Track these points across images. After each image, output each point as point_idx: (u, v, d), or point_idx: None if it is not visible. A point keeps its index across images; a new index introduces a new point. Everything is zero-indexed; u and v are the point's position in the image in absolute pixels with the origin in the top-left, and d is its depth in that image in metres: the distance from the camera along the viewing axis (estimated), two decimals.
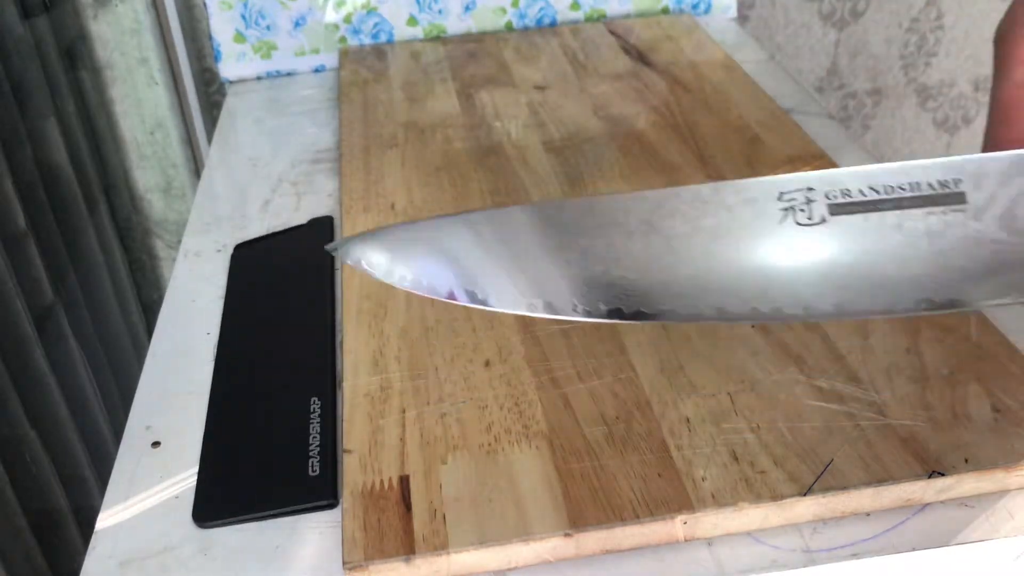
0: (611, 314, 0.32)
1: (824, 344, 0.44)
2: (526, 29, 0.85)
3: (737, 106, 0.67)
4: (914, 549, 0.36)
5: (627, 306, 0.33)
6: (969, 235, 0.31)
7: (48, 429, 0.67)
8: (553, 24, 0.86)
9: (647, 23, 0.84)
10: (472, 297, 0.33)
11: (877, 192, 0.32)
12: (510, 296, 0.33)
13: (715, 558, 0.36)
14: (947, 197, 0.31)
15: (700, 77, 0.73)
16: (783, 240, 0.32)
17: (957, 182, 0.31)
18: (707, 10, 0.88)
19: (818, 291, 0.32)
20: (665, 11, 0.87)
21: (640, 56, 0.77)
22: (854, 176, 0.32)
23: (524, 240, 0.33)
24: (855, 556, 0.36)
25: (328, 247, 0.36)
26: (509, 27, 0.86)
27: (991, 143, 0.33)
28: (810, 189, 0.32)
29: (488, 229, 0.34)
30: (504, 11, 0.85)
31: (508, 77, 0.75)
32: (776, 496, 0.36)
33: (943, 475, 0.37)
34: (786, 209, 0.32)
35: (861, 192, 0.32)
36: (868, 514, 0.38)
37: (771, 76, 0.74)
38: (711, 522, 0.37)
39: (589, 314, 0.33)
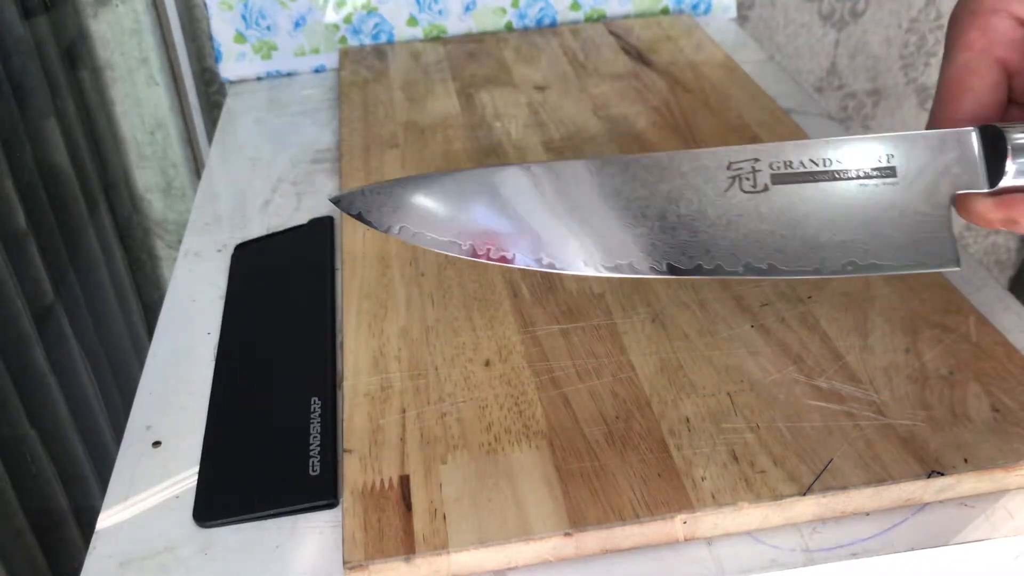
0: (569, 267, 0.36)
1: (824, 344, 0.44)
2: (526, 29, 0.86)
3: (737, 106, 0.67)
4: (914, 549, 0.36)
5: (587, 262, 0.36)
6: (896, 206, 0.34)
7: (48, 429, 0.67)
8: (553, 24, 0.86)
9: (647, 23, 0.84)
10: (459, 249, 0.36)
11: (816, 164, 0.35)
12: (494, 248, 0.36)
13: (715, 558, 0.36)
14: (880, 170, 0.34)
15: (700, 77, 0.73)
16: (729, 205, 0.35)
17: (890, 157, 0.34)
18: (707, 10, 0.88)
19: (756, 252, 0.35)
20: (665, 11, 0.87)
21: (640, 56, 0.77)
22: (797, 149, 0.35)
23: (506, 199, 0.37)
24: (855, 556, 0.36)
25: (331, 198, 0.39)
26: (509, 27, 0.86)
27: (933, 120, 0.36)
28: (756, 160, 0.35)
29: (479, 187, 0.37)
30: (504, 11, 0.85)
31: (508, 77, 0.75)
32: (776, 496, 0.37)
33: (943, 475, 0.37)
34: (733, 177, 0.35)
35: (802, 164, 0.35)
36: (868, 514, 0.38)
37: (771, 76, 0.75)
38: (711, 522, 0.37)
39: (552, 267, 0.36)
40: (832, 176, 0.35)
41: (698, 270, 0.35)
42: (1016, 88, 0.36)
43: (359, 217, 0.37)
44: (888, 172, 0.34)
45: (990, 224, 0.34)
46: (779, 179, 0.35)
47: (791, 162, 0.35)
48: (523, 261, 0.36)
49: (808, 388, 0.42)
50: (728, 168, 0.35)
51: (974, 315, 0.45)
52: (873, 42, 1.03)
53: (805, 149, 0.35)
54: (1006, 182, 0.33)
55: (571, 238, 0.36)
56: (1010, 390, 0.41)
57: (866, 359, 0.43)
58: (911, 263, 0.34)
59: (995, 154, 0.33)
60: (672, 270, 0.35)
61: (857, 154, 0.35)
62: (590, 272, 0.36)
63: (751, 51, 0.81)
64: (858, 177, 0.35)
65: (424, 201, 0.37)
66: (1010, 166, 0.33)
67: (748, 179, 0.35)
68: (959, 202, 0.34)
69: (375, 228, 0.37)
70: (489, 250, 0.37)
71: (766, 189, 0.35)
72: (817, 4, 0.99)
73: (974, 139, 0.34)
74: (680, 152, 0.36)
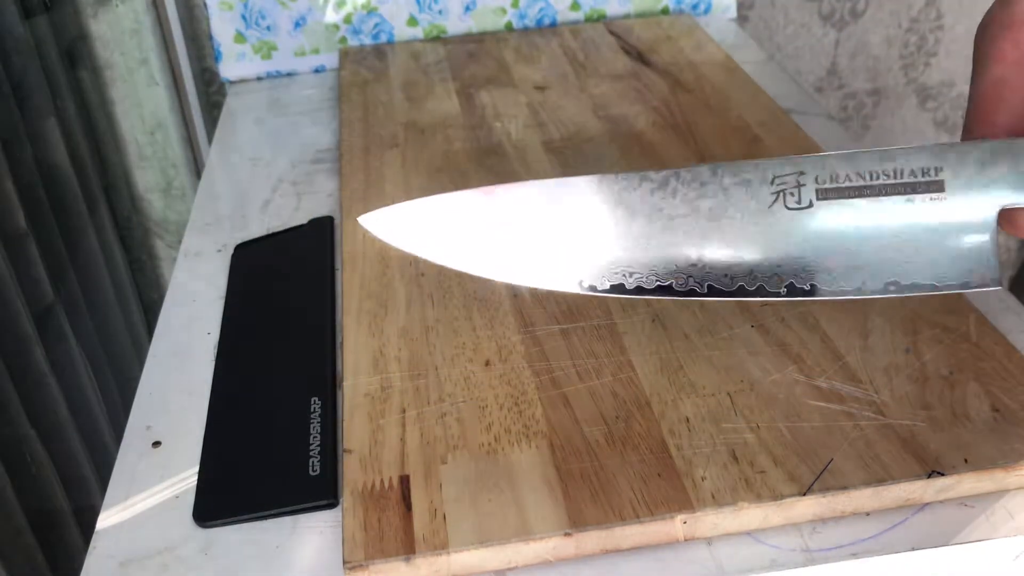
0: (613, 289, 0.35)
1: (824, 344, 0.44)
2: (526, 29, 0.86)
3: (737, 106, 0.67)
4: (914, 549, 0.36)
5: (628, 283, 0.35)
6: (941, 222, 0.33)
7: (48, 429, 0.67)
8: (553, 24, 0.86)
9: (647, 23, 0.84)
10: (478, 268, 0.37)
11: (863, 178, 0.34)
12: (512, 271, 0.36)
13: (715, 558, 0.36)
14: (927, 184, 0.33)
15: (700, 77, 0.73)
16: (773, 221, 0.34)
17: (939, 170, 0.33)
18: (707, 10, 0.88)
19: (799, 273, 0.34)
20: (665, 11, 0.87)
21: (640, 56, 0.77)
22: (843, 160, 0.34)
23: (530, 217, 0.36)
24: (855, 556, 0.36)
25: (360, 219, 0.39)
26: (509, 27, 0.86)
27: (968, 134, 0.35)
28: (801, 174, 0.34)
29: (497, 206, 0.37)
30: (504, 11, 0.85)
31: (508, 77, 0.75)
32: (776, 496, 0.37)
33: (943, 475, 0.37)
34: (777, 193, 0.34)
35: (848, 178, 0.34)
36: (868, 514, 0.38)
37: (771, 76, 0.75)
38: (711, 522, 0.37)
39: (592, 289, 0.35)
40: (878, 191, 0.34)
41: (740, 292, 0.34)
42: None
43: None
44: (936, 187, 0.33)
45: None
46: (824, 194, 0.34)
47: (837, 175, 0.34)
48: (562, 285, 0.36)
49: (808, 388, 0.42)
50: (772, 183, 0.35)
51: (974, 315, 0.45)
52: (873, 42, 1.03)
53: (852, 161, 0.34)
54: None
55: (607, 257, 0.35)
56: (1010, 390, 0.41)
57: (866, 359, 0.43)
58: (953, 283, 0.33)
59: None
60: (714, 292, 0.34)
61: (904, 168, 0.34)
62: (630, 295, 0.35)
63: (751, 51, 0.81)
64: (904, 192, 0.34)
65: (454, 227, 0.37)
66: None
67: (792, 194, 0.34)
68: (1005, 217, 0.34)
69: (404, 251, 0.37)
70: (526, 276, 0.36)
71: (811, 205, 0.34)
72: (817, 4, 0.99)
73: None
74: (722, 165, 0.35)
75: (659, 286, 0.35)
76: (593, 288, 0.35)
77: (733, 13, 0.89)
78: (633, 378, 0.43)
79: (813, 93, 1.04)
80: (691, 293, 0.35)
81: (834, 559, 0.36)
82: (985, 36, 0.36)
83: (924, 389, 0.41)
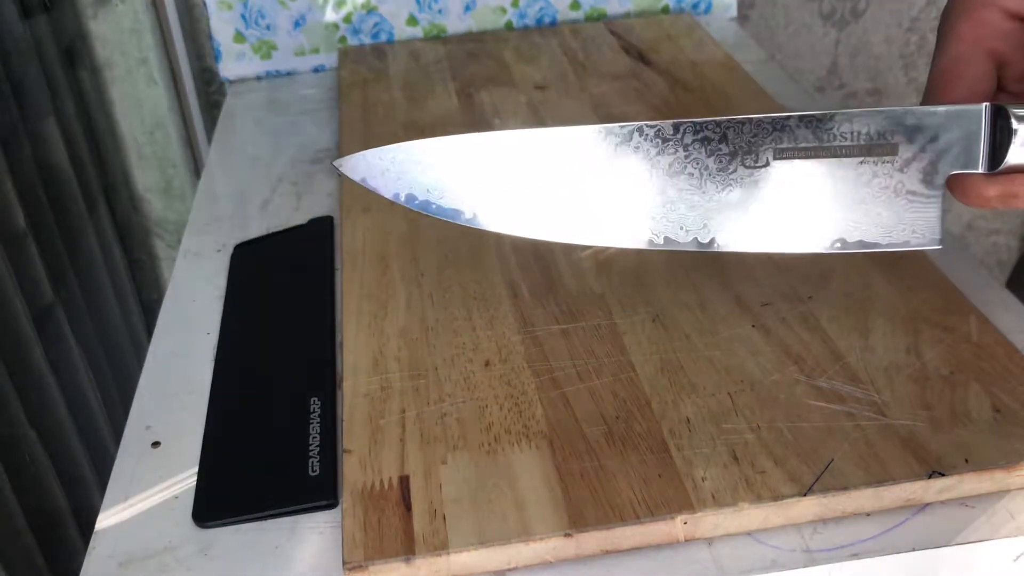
0: (573, 235, 0.37)
1: (824, 344, 0.44)
2: (526, 29, 0.85)
3: (737, 106, 0.67)
4: (914, 549, 0.36)
5: (586, 231, 0.37)
6: (890, 186, 0.35)
7: (48, 429, 0.67)
8: (553, 24, 0.86)
9: (647, 23, 0.84)
10: (459, 215, 0.37)
11: (820, 140, 0.35)
12: (490, 218, 0.37)
13: (715, 558, 0.36)
14: (882, 147, 0.35)
15: (700, 77, 0.73)
16: (728, 180, 0.36)
17: (893, 133, 0.35)
18: (707, 10, 0.88)
19: (750, 227, 0.36)
20: (665, 11, 0.87)
21: (640, 56, 0.77)
22: (801, 122, 0.35)
23: (504, 165, 0.37)
24: (855, 556, 0.36)
25: (334, 162, 0.39)
26: (509, 27, 0.86)
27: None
28: (760, 132, 0.36)
29: (473, 154, 0.38)
30: (504, 11, 0.85)
31: (508, 77, 0.75)
32: (776, 496, 0.36)
33: (943, 475, 0.37)
34: (734, 152, 0.36)
35: (805, 138, 0.35)
36: (868, 514, 0.38)
37: (771, 76, 0.74)
38: (711, 522, 0.37)
39: (552, 235, 0.37)
40: (833, 153, 0.35)
41: (694, 244, 0.36)
42: (1005, 77, 0.37)
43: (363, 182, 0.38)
44: (890, 150, 0.35)
45: (986, 203, 0.35)
46: (781, 154, 0.36)
47: (796, 136, 0.35)
48: (522, 231, 0.37)
49: (809, 388, 0.41)
50: (729, 142, 0.36)
51: (975, 315, 0.45)
52: (874, 42, 1.03)
53: (809, 122, 0.35)
54: (1010, 160, 0.33)
55: (570, 207, 0.37)
56: (1011, 390, 0.41)
57: (867, 359, 0.43)
58: (895, 241, 0.35)
59: (998, 133, 0.34)
60: (668, 243, 0.36)
61: (861, 129, 0.35)
62: (583, 240, 0.37)
63: (751, 51, 0.81)
64: (859, 155, 0.35)
65: (427, 170, 0.38)
66: (1015, 145, 0.33)
67: (750, 153, 0.36)
68: (955, 184, 0.35)
69: (380, 193, 0.38)
70: (490, 219, 0.37)
71: (767, 164, 0.36)
72: (818, 3, 0.99)
73: (983, 115, 0.34)
74: (684, 121, 0.36)
75: (619, 235, 0.37)
76: (552, 234, 0.37)
77: (733, 13, 0.89)
78: (633, 378, 0.43)
79: (813, 93, 1.04)
80: (650, 243, 0.37)
81: (835, 559, 0.36)
82: (948, 18, 0.38)
83: (925, 389, 0.41)
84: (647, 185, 0.36)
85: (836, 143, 0.35)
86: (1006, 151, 0.33)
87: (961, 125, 0.34)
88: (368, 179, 0.38)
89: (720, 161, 0.36)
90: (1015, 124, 0.33)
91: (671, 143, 0.36)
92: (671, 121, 0.36)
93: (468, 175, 0.37)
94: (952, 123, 0.35)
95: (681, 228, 0.36)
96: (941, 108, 0.35)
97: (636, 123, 0.37)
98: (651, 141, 0.36)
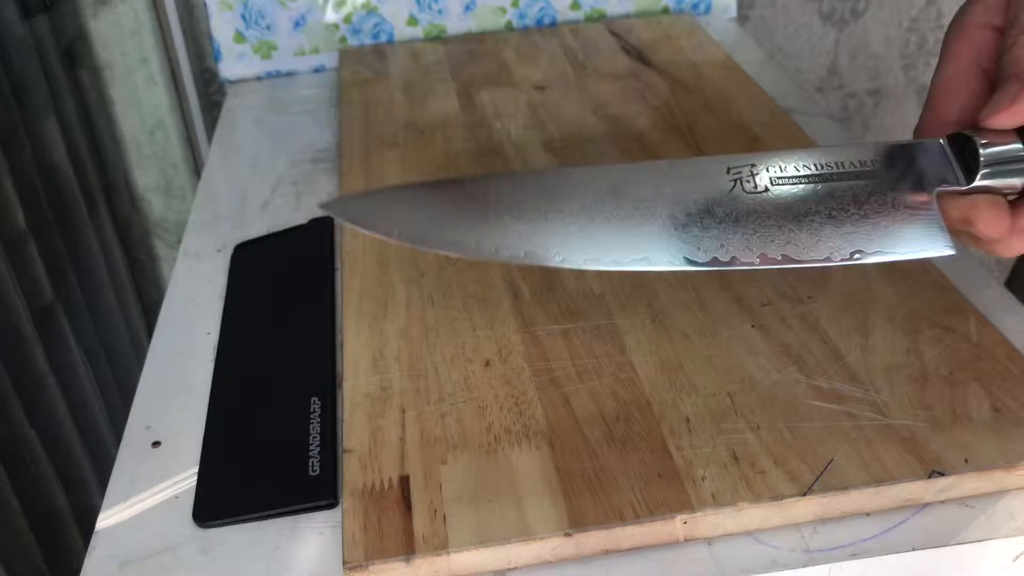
0: (588, 262, 0.37)
1: (824, 344, 0.44)
2: (526, 29, 0.85)
3: (737, 106, 0.67)
4: (914, 549, 0.36)
5: (603, 260, 0.37)
6: (887, 201, 0.37)
7: (48, 429, 0.67)
8: (553, 24, 0.86)
9: (647, 23, 0.84)
10: (458, 248, 0.38)
11: (810, 168, 0.37)
12: (493, 248, 0.38)
13: (715, 558, 0.36)
14: (866, 173, 0.37)
15: (700, 77, 0.73)
16: (734, 204, 0.37)
17: (874, 162, 0.37)
18: (707, 10, 0.88)
19: (767, 245, 0.36)
20: (665, 11, 0.87)
21: (640, 56, 0.77)
22: (789, 156, 0.38)
23: (507, 201, 0.38)
24: (855, 556, 0.36)
25: (320, 205, 0.41)
26: (509, 27, 0.86)
27: (922, 123, 0.39)
28: (754, 165, 0.38)
29: (476, 193, 0.39)
30: (504, 11, 0.85)
31: (508, 77, 0.75)
32: (776, 496, 0.36)
33: (943, 475, 0.37)
34: (734, 180, 0.37)
35: (796, 168, 0.37)
36: (868, 514, 0.38)
37: (771, 76, 0.74)
38: (711, 522, 0.37)
39: (569, 263, 0.37)
40: (826, 178, 0.37)
41: (714, 262, 0.36)
42: None
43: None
44: (873, 174, 0.37)
45: (951, 223, 0.36)
46: (778, 181, 0.37)
47: (785, 167, 0.37)
48: (538, 259, 0.37)
49: (808, 388, 0.42)
50: (728, 172, 0.38)
51: (975, 315, 0.45)
52: (874, 42, 1.03)
53: (796, 157, 0.38)
54: (979, 182, 0.35)
55: (578, 236, 0.37)
56: (1011, 390, 0.41)
57: (867, 359, 0.43)
58: (911, 250, 0.36)
59: (967, 158, 0.36)
60: (689, 263, 0.37)
61: (843, 160, 0.37)
62: (601, 267, 0.37)
63: (751, 51, 0.81)
64: (848, 179, 0.37)
65: (421, 212, 0.39)
66: (982, 168, 0.35)
67: (748, 181, 0.37)
68: (939, 201, 0.37)
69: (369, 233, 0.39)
70: (497, 250, 0.38)
71: (766, 190, 0.37)
72: (817, 4, 0.99)
73: (942, 147, 0.37)
74: (679, 160, 0.39)
75: (634, 259, 0.37)
76: (568, 262, 0.38)
77: (733, 13, 0.89)
78: (633, 378, 0.43)
79: (813, 93, 1.04)
80: (668, 263, 0.37)
81: (834, 559, 0.36)
82: (947, 37, 0.39)
83: (925, 389, 0.41)
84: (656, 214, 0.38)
85: (824, 171, 0.37)
86: (975, 174, 0.35)
87: (927, 155, 0.37)
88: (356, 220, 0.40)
89: (721, 189, 0.37)
90: (979, 149, 0.35)
91: (669, 177, 0.38)
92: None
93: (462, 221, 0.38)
94: (919, 153, 0.37)
95: (698, 248, 0.37)
96: (906, 141, 0.37)
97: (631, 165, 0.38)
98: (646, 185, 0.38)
